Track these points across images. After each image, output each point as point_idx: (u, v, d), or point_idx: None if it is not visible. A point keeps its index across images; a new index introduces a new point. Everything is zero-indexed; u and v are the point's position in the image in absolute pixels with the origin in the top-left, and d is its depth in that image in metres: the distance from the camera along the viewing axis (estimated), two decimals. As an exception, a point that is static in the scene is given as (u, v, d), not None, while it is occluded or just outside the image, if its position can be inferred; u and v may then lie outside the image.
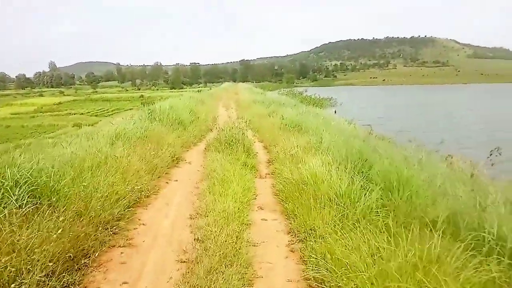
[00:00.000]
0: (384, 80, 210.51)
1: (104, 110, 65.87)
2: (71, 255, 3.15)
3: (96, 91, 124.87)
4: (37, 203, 3.49)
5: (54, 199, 3.67)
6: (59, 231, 3.10)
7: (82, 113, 62.95)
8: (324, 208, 4.47)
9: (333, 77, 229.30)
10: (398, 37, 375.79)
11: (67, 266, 3.11)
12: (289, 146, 8.13)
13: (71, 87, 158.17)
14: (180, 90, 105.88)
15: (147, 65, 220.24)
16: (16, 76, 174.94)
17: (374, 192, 4.51)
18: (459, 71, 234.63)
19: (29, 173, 3.67)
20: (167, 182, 6.36)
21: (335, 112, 33.47)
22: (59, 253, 3.04)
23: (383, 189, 4.77)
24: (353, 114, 25.37)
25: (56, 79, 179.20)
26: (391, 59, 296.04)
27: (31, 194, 3.56)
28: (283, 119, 11.69)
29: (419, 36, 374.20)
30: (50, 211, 3.40)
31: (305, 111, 15.38)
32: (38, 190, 3.65)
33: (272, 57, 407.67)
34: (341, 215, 4.24)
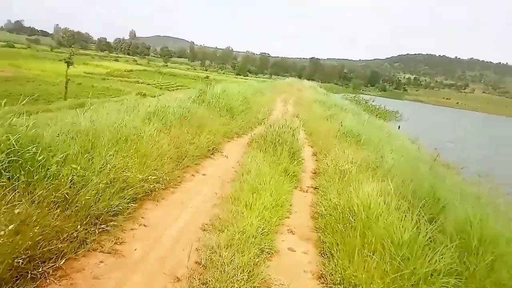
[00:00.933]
0: (457, 103, 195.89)
1: (169, 84, 67.73)
2: (23, 259, 2.37)
3: (167, 65, 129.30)
4: (9, 178, 2.79)
5: (35, 178, 2.95)
6: (15, 224, 2.35)
7: (149, 84, 65.05)
8: (373, 256, 3.37)
9: (403, 91, 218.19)
10: (483, 61, 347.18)
11: (17, 273, 2.35)
12: (343, 159, 6.99)
13: (145, 58, 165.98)
14: (245, 77, 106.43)
15: (219, 48, 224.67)
16: (97, 39, 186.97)
17: (447, 250, 3.32)
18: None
19: (16, 140, 2.98)
20: (193, 175, 5.54)
21: (399, 127, 31.17)
22: (9, 252, 2.28)
23: (458, 247, 3.54)
24: (418, 133, 23.26)
25: (133, 48, 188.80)
26: (470, 82, 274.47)
27: (9, 167, 2.87)
28: (341, 125, 10.46)
29: (506, 63, 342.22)
30: (19, 193, 2.69)
31: (367, 121, 13.98)
32: (20, 163, 2.95)
33: (343, 59, 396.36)
34: (396, 273, 3.11)
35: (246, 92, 13.80)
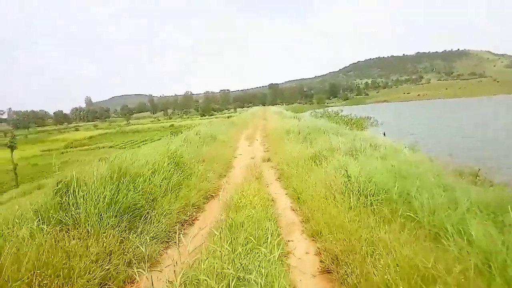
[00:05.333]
0: (418, 95, 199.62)
1: (133, 142, 63.11)
2: None
3: (129, 123, 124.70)
4: None
5: None
6: None
7: (111, 146, 60.53)
8: None
9: (365, 95, 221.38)
10: (429, 52, 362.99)
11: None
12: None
13: (106, 120, 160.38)
14: (210, 116, 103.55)
15: (179, 95, 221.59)
16: (54, 113, 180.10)
17: None
18: (498, 81, 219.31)
19: None
20: None
21: (384, 134, 27.40)
22: None
23: None
24: (403, 135, 20.04)
25: (92, 113, 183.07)
26: (423, 74, 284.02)
27: None
28: (347, 177, 5.73)
29: (451, 49, 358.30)
30: None
31: (361, 142, 9.25)
32: None
33: (300, 79, 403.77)
34: None
35: (183, 149, 8.92)
